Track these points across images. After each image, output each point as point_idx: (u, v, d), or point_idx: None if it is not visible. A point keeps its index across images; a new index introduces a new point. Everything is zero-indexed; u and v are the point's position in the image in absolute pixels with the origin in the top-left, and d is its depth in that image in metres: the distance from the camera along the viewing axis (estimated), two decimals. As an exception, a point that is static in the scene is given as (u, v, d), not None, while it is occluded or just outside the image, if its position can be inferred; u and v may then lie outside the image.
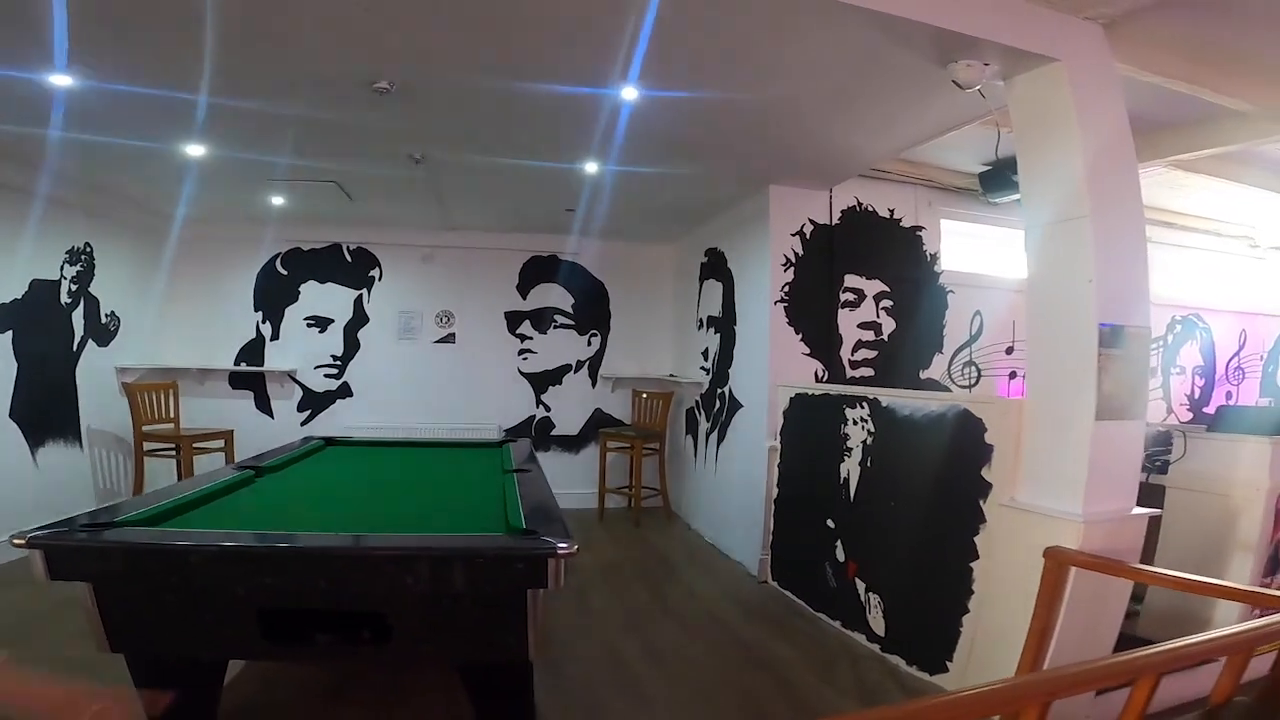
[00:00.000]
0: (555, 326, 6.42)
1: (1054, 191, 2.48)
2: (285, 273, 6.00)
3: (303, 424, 5.93)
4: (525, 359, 6.36)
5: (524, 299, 6.40)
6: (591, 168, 4.16)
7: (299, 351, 6.00)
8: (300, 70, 2.84)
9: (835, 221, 4.47)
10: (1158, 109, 3.44)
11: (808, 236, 4.41)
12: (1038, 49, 2.37)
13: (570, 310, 6.43)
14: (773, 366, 4.27)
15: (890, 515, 3.13)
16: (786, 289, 4.33)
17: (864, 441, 3.33)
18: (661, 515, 5.89)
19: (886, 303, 4.48)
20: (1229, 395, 5.52)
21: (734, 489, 4.74)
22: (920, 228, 4.62)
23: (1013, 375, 4.70)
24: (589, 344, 6.44)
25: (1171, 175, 4.54)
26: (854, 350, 4.41)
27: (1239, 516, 2.72)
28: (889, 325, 4.48)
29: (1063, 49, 2.40)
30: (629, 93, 2.96)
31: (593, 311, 6.43)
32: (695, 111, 3.23)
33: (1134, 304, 2.40)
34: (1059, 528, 2.31)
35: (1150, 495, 2.82)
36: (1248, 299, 5.42)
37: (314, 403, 6.02)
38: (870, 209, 4.56)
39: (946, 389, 4.54)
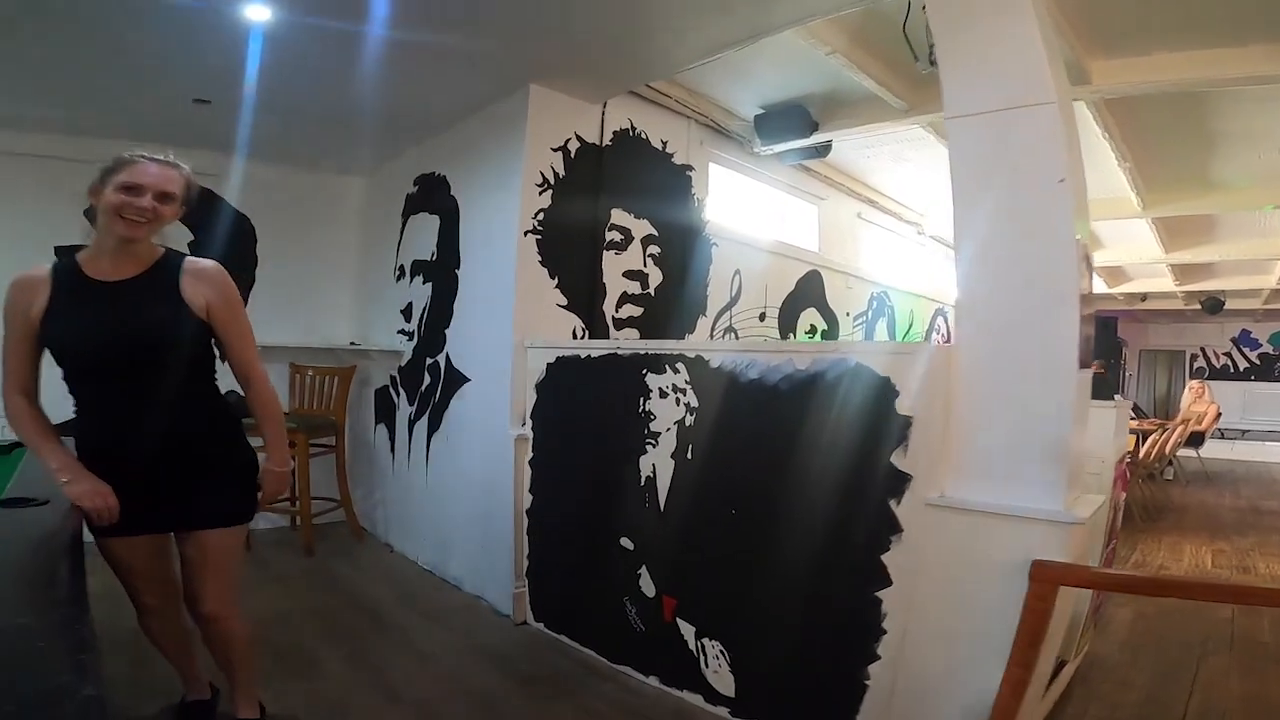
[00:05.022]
0: (158, 271, 4.04)
1: (1001, 70, 1.68)
2: None
3: None
4: (99, 317, 3.86)
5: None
6: (259, 13, 2.33)
7: None
8: None
9: (607, 143, 3.33)
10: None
11: (573, 155, 3.17)
12: None
13: (187, 252, 4.10)
14: (519, 321, 2.93)
15: (729, 530, 2.10)
16: (541, 217, 3.04)
17: (680, 421, 2.24)
18: (347, 535, 4.04)
19: (654, 249, 3.49)
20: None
21: (461, 497, 3.28)
22: (690, 167, 3.75)
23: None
24: (219, 298, 4.19)
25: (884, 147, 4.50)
26: (618, 305, 3.32)
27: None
28: (656, 277, 3.50)
29: None
30: None
31: (228, 255, 4.17)
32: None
33: (1085, 217, 1.73)
34: (1028, 533, 1.51)
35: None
36: (913, 281, 5.93)
37: None
38: (644, 136, 3.52)
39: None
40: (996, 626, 1.54)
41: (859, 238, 5.17)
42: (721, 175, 4.09)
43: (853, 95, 3.73)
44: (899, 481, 1.71)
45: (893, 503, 1.73)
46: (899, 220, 5.56)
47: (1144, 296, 8.24)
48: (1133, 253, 6.30)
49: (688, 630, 2.28)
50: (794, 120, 3.83)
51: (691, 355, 2.20)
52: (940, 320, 6.25)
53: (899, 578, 1.74)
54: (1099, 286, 7.70)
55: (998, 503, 1.57)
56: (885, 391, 1.72)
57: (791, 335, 4.37)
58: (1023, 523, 1.54)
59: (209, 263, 1.73)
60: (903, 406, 1.70)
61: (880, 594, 1.77)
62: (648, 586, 2.41)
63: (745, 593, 2.10)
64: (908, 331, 5.69)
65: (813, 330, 4.55)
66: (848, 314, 4.84)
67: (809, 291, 4.53)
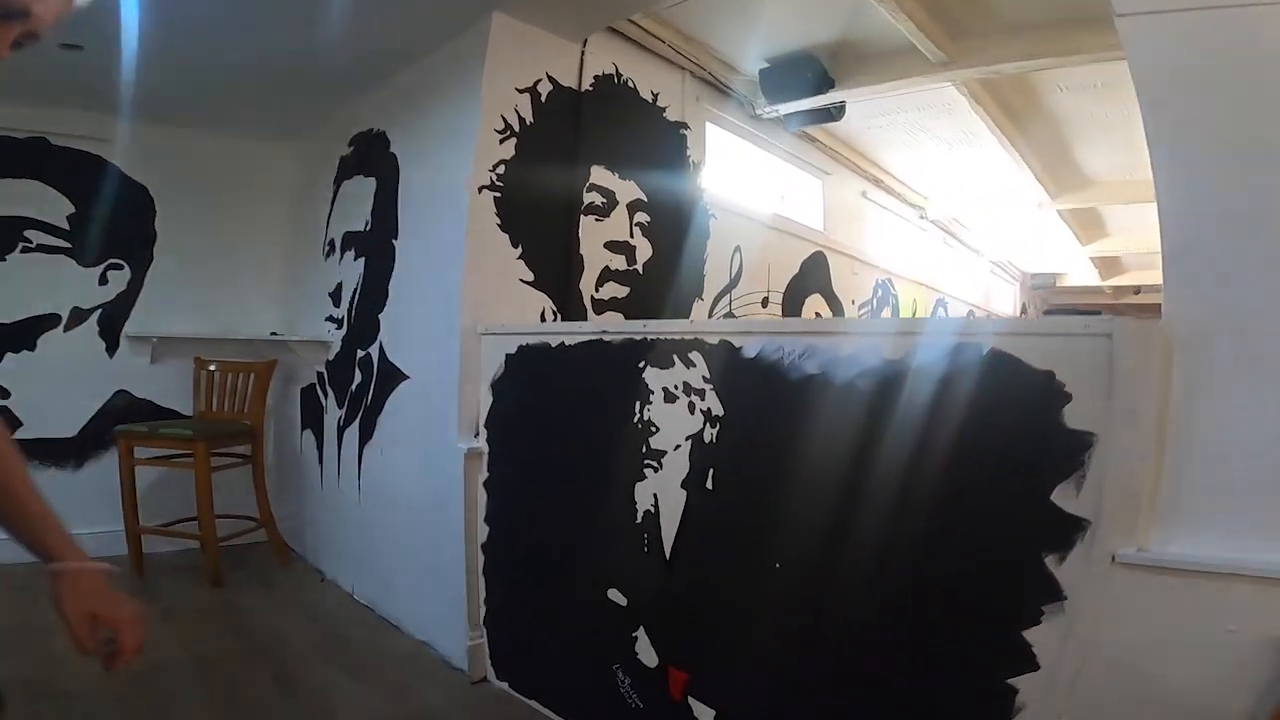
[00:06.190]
0: (28, 249, 3.22)
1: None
2: None
3: None
4: (-59, 299, 3.03)
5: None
6: None
7: None
8: None
9: (587, 88, 2.65)
10: None
11: (544, 99, 2.48)
12: None
13: (65, 224, 3.30)
14: (470, 300, 2.23)
15: (771, 590, 1.43)
16: (501, 170, 2.33)
17: (696, 436, 1.56)
18: (269, 559, 3.25)
19: (642, 217, 2.81)
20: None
21: (400, 523, 2.55)
22: (685, 125, 3.08)
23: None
24: (104, 281, 3.37)
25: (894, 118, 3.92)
26: (599, 283, 2.63)
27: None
28: (645, 250, 2.82)
29: None
30: None
31: (118, 229, 3.38)
32: None
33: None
34: None
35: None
36: (916, 268, 5.38)
37: None
38: (631, 84, 2.85)
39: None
40: (1219, 715, 0.99)
41: (864, 219, 4.59)
42: (719, 139, 3.44)
43: (877, 45, 3.12)
44: (1067, 530, 1.07)
45: (1051, 560, 1.09)
46: (902, 202, 5.00)
47: (1138, 289, 7.85)
48: (1139, 243, 5.87)
49: (704, 713, 1.64)
50: (805, 74, 3.20)
51: (713, 340, 1.52)
52: (941, 311, 5.72)
53: (1050, 659, 1.11)
54: (1091, 279, 7.32)
55: (1248, 559, 0.95)
56: (1046, 395, 1.08)
57: (796, 326, 3.75)
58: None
59: None
60: (1078, 418, 1.06)
61: (1016, 680, 1.14)
62: (647, 654, 1.74)
63: (793, 672, 1.45)
64: (910, 324, 5.13)
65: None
66: (853, 301, 4.25)
67: (814, 275, 3.92)
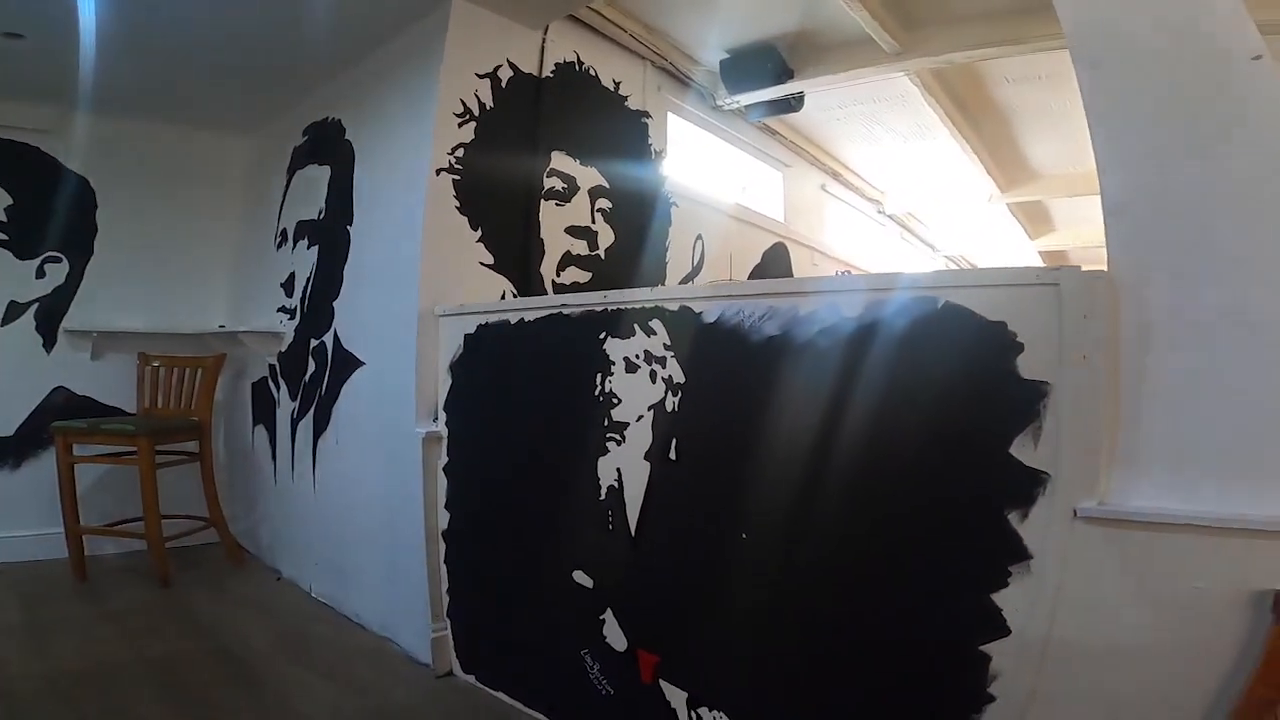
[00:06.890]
0: (-39, 240, 3.04)
1: None
2: None
3: None
4: None
5: None
6: None
7: None
8: None
9: (548, 74, 2.61)
10: None
11: (504, 85, 2.42)
12: None
13: (2, 216, 3.11)
14: (428, 283, 2.15)
15: (738, 562, 1.39)
16: (460, 153, 2.26)
17: (658, 406, 1.52)
18: (220, 559, 3.10)
19: (604, 203, 2.76)
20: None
21: (357, 514, 2.44)
22: (646, 114, 3.05)
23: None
24: (41, 274, 3.18)
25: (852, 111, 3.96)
26: (560, 267, 2.57)
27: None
28: (607, 236, 2.77)
29: None
30: None
31: (57, 221, 3.20)
32: None
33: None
34: (1265, 553, 0.91)
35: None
36: (874, 262, 5.44)
37: None
38: (593, 72, 2.82)
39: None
40: (1195, 679, 0.97)
41: (824, 212, 4.62)
42: (680, 129, 3.42)
43: (834, 36, 3.15)
44: (1027, 485, 1.06)
45: (1014, 517, 1.07)
46: (860, 196, 5.05)
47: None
48: (1085, 237, 6.04)
49: (676, 696, 1.58)
50: (765, 64, 3.21)
51: (673, 307, 1.48)
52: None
53: (1022, 623, 1.09)
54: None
55: (1208, 511, 0.94)
56: (999, 345, 1.06)
57: (759, 314, 3.75)
58: (1256, 539, 0.92)
59: None
60: (1031, 368, 1.05)
61: (989, 647, 1.12)
62: (616, 638, 1.69)
63: (763, 648, 1.41)
64: (870, 316, 5.18)
65: (780, 310, 3.95)
66: (815, 293, 4.27)
67: (776, 265, 3.92)
